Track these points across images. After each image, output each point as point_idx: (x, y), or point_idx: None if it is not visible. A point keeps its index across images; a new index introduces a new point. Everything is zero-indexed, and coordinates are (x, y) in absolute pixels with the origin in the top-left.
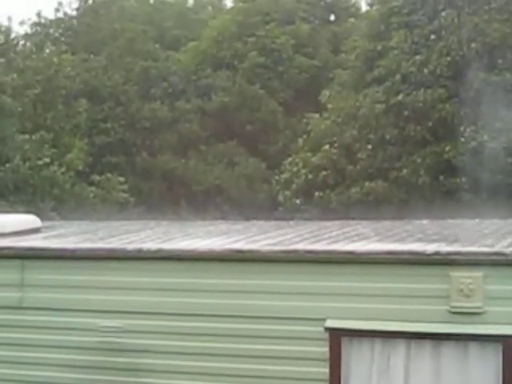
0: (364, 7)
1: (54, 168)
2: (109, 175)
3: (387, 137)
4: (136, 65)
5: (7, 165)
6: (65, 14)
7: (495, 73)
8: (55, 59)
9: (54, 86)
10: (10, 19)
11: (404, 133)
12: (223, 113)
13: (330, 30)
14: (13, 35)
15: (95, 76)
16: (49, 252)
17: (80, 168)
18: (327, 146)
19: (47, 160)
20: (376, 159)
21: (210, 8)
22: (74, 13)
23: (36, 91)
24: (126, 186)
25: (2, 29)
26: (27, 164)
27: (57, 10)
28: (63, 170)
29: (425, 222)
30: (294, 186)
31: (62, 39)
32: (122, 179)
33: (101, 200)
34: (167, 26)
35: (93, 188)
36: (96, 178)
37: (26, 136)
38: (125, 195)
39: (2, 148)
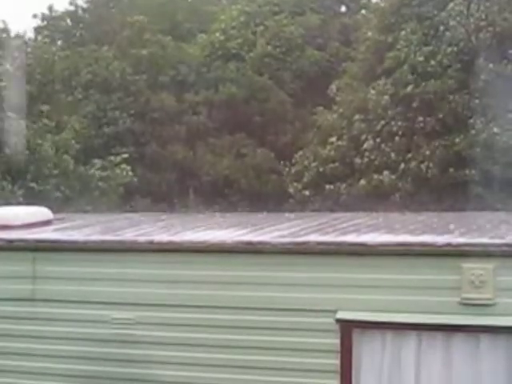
0: None
1: (48, 149)
2: (111, 158)
3: (394, 129)
4: (143, 55)
5: (6, 149)
6: (76, 6)
7: (505, 63)
8: (56, 57)
9: (54, 76)
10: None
11: (412, 125)
12: (231, 104)
13: (340, 21)
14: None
15: (105, 67)
16: (60, 244)
17: (74, 150)
18: (334, 139)
19: (46, 145)
20: (384, 151)
21: (223, 1)
22: (86, 5)
23: (37, 79)
24: (129, 168)
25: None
26: (25, 147)
27: (70, 3)
28: (62, 151)
29: (434, 213)
30: (304, 178)
31: (74, 31)
32: (125, 155)
33: (105, 181)
34: (180, 18)
35: (94, 170)
36: (98, 162)
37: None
38: (129, 173)
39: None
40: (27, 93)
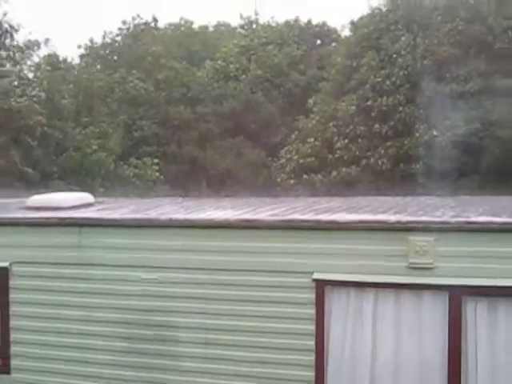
0: (343, 34)
1: (100, 153)
2: (145, 159)
3: (358, 132)
4: (160, 78)
5: (64, 154)
6: (112, 39)
7: (443, 84)
8: (100, 81)
9: (95, 94)
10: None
11: (372, 130)
12: (233, 115)
13: (316, 51)
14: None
15: (134, 87)
16: (100, 221)
17: (119, 152)
18: (312, 139)
19: (95, 147)
20: (351, 150)
21: (225, 33)
22: (119, 38)
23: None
24: (157, 167)
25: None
26: (79, 152)
27: (103, 37)
28: (106, 154)
29: (388, 198)
30: (287, 168)
31: (109, 57)
32: (155, 161)
33: (138, 178)
34: (194, 48)
35: (131, 168)
36: (134, 161)
37: (77, 130)
38: (157, 174)
39: (63, 141)
40: (76, 106)
